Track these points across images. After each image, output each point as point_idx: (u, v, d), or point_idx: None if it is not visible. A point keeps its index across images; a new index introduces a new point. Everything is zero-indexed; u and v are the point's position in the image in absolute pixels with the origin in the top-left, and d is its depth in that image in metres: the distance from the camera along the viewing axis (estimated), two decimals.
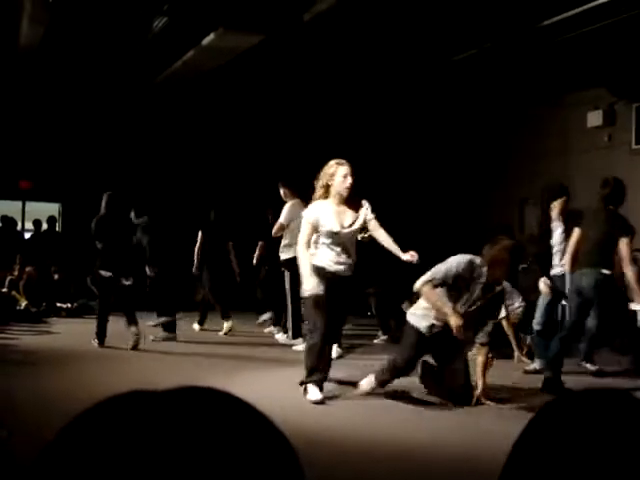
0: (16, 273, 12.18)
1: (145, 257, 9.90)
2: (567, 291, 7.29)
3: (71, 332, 10.19)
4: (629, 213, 7.24)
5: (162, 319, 9.79)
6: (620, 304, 7.12)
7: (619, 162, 11.04)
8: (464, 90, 13.03)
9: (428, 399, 6.10)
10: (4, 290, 11.87)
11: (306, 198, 8.80)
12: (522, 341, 8.54)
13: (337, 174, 6.14)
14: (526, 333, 8.43)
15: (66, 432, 0.58)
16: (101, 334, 8.75)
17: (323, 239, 6.11)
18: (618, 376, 7.50)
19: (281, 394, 6.05)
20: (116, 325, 9.14)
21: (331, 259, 6.09)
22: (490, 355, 6.20)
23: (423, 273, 6.00)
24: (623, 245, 6.72)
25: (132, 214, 10.03)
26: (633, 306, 7.77)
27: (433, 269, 5.97)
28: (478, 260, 5.95)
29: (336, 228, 6.07)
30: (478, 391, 6.04)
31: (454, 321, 5.77)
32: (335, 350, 7.38)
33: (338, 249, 6.11)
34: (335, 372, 6.48)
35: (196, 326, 10.78)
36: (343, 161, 6.20)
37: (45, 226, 14.36)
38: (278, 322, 10.34)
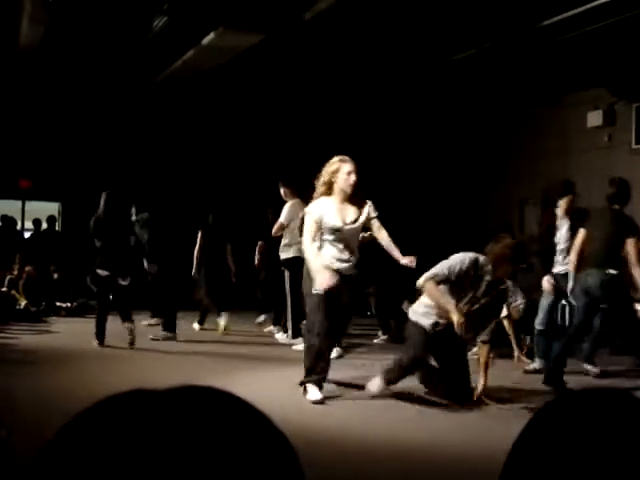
0: (16, 272, 12.18)
1: (144, 253, 9.90)
2: (568, 290, 7.27)
3: (71, 331, 10.19)
4: (630, 213, 7.24)
5: (154, 320, 9.78)
6: (626, 304, 7.10)
7: (619, 162, 11.04)
8: (464, 90, 13.03)
9: (428, 399, 6.09)
10: (4, 289, 11.87)
11: (306, 198, 8.82)
12: (522, 341, 8.54)
13: (341, 171, 6.10)
14: (527, 334, 8.43)
15: (66, 431, 0.58)
16: (100, 333, 8.75)
17: (326, 235, 6.08)
18: (618, 376, 7.49)
19: (281, 394, 6.05)
20: (115, 324, 9.14)
21: (334, 256, 6.07)
22: (491, 355, 6.20)
23: (423, 273, 6.00)
24: (630, 246, 6.72)
25: (133, 209, 10.05)
26: (639, 307, 7.74)
27: (437, 266, 5.96)
28: (482, 258, 5.95)
29: (339, 224, 6.04)
30: (479, 390, 6.03)
31: (456, 318, 5.75)
32: (335, 350, 7.37)
33: (341, 246, 6.08)
34: (335, 372, 6.48)
35: (196, 325, 10.78)
36: (347, 158, 6.16)
37: (45, 225, 14.37)
38: (278, 322, 10.35)
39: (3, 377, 6.59)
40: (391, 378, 6.04)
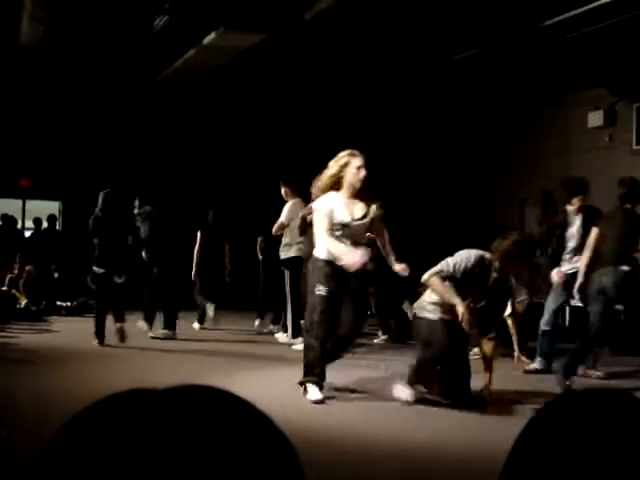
0: (16, 271, 12.18)
1: (143, 247, 9.89)
2: (575, 287, 7.25)
3: (71, 331, 10.19)
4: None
5: (146, 326, 9.75)
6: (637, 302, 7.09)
7: (619, 162, 11.04)
8: (464, 90, 13.03)
9: (428, 399, 6.08)
10: (4, 288, 11.88)
11: (307, 197, 8.83)
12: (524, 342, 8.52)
13: (351, 165, 5.94)
14: (531, 339, 8.34)
15: (66, 430, 0.58)
16: (100, 333, 8.76)
17: (333, 231, 5.93)
18: (618, 377, 7.49)
19: (281, 393, 6.04)
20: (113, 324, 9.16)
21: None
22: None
23: (423, 273, 5.99)
24: None
25: (136, 202, 10.05)
26: None
27: (442, 262, 5.94)
28: (487, 255, 5.93)
29: (347, 219, 5.91)
30: (485, 386, 6.02)
31: (461, 310, 5.69)
32: None
33: (348, 242, 5.93)
34: (335, 372, 6.47)
35: (196, 325, 10.79)
36: (356, 152, 6.01)
37: (45, 224, 14.37)
38: (277, 321, 10.37)
39: (3, 376, 6.59)
40: (417, 379, 5.90)
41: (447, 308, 5.89)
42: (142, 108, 14.31)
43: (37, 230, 14.37)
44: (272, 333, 10.24)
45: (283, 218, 9.18)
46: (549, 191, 12.52)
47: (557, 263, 7.63)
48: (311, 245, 8.33)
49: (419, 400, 6.04)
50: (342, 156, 6.01)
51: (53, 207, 14.97)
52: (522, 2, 9.44)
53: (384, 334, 9.92)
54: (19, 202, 14.96)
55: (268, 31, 10.32)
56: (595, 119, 11.84)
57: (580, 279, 7.13)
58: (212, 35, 10.61)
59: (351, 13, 9.89)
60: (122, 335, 8.72)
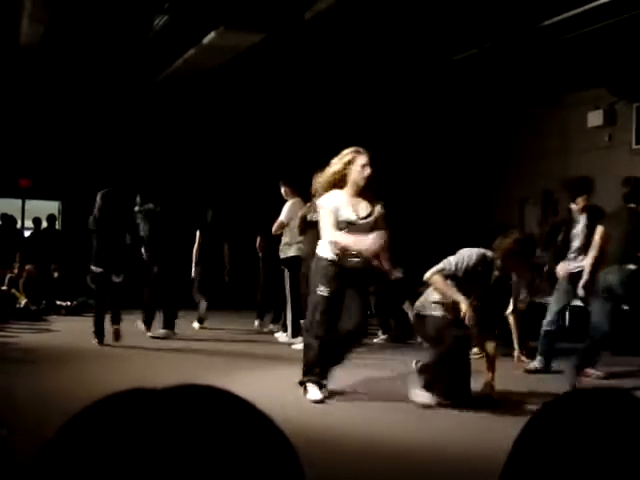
0: (16, 271, 12.18)
1: (143, 244, 9.89)
2: (580, 284, 7.24)
3: (71, 330, 10.19)
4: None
5: (144, 327, 9.77)
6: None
7: (619, 162, 11.04)
8: (464, 90, 13.02)
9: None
10: (4, 288, 11.88)
11: (307, 197, 8.83)
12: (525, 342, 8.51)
13: (355, 163, 5.85)
14: (531, 339, 8.33)
15: (66, 430, 0.58)
16: (99, 332, 8.78)
17: (338, 229, 5.85)
18: (619, 377, 7.48)
19: (281, 393, 6.04)
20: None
21: (344, 252, 5.84)
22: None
23: (424, 272, 5.99)
24: None
25: (138, 199, 10.05)
26: None
27: (444, 260, 5.91)
28: (489, 253, 5.92)
29: (353, 217, 5.84)
30: (484, 384, 6.01)
31: (465, 306, 5.66)
32: None
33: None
34: (335, 372, 6.47)
35: (196, 324, 10.79)
36: (361, 149, 5.92)
37: (45, 224, 14.37)
38: (277, 320, 10.39)
39: (3, 376, 6.58)
40: (432, 381, 5.83)
41: (449, 306, 5.85)
42: (142, 108, 14.31)
43: (37, 230, 14.37)
44: (272, 332, 10.24)
45: (283, 217, 9.18)
46: (549, 191, 12.54)
47: (560, 258, 7.61)
48: (311, 244, 8.36)
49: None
50: (346, 153, 5.92)
51: (53, 207, 14.97)
52: (522, 2, 9.44)
53: (384, 334, 9.92)
54: (19, 202, 14.95)
55: (268, 31, 10.32)
56: (595, 119, 11.84)
57: (585, 277, 7.13)
58: (212, 35, 10.60)
59: (351, 13, 9.88)
60: (117, 335, 8.80)
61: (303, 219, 8.56)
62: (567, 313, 9.24)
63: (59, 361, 7.74)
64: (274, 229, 9.28)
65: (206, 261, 10.73)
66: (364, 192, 5.89)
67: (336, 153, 6.10)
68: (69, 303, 12.30)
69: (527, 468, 0.69)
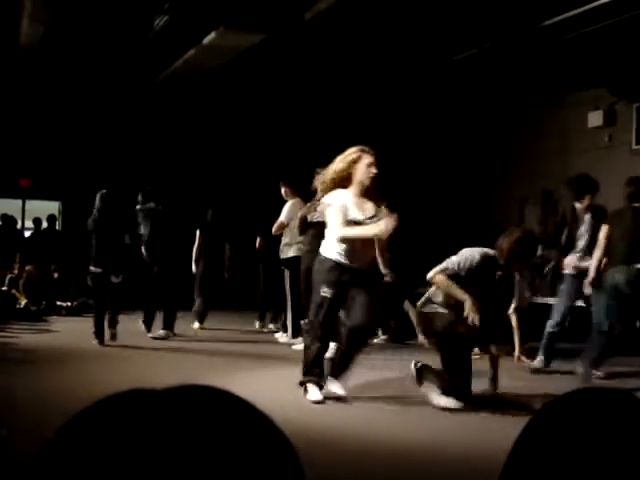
0: (16, 271, 12.18)
1: (142, 242, 9.89)
2: (587, 282, 7.24)
3: (71, 330, 10.19)
4: None
5: (144, 327, 9.77)
6: None
7: (619, 162, 11.04)
8: (464, 90, 13.03)
9: (428, 399, 6.08)
10: (4, 288, 11.87)
11: (307, 197, 8.82)
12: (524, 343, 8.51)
13: (361, 162, 5.75)
14: (533, 339, 8.31)
15: (66, 430, 0.58)
16: (99, 332, 8.79)
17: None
18: (619, 377, 7.48)
19: (281, 393, 6.04)
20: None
21: (350, 251, 5.76)
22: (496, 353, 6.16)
23: (424, 274, 5.97)
24: None
25: (139, 197, 10.05)
26: None
27: (446, 260, 5.88)
28: (492, 252, 5.90)
29: (360, 217, 5.75)
30: (490, 385, 6.00)
31: (469, 304, 5.62)
32: (334, 349, 7.34)
33: (358, 241, 5.78)
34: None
35: (196, 324, 10.79)
36: (366, 148, 5.82)
37: (45, 224, 14.37)
38: (276, 319, 10.42)
39: (3, 376, 6.58)
40: (450, 385, 5.77)
41: (452, 305, 5.84)
42: (142, 108, 14.31)
43: (37, 230, 14.37)
44: (272, 332, 10.24)
45: (283, 217, 9.18)
46: (549, 191, 12.55)
47: (563, 262, 7.60)
48: (311, 244, 8.36)
49: (419, 400, 6.03)
50: (352, 152, 5.81)
51: (53, 207, 14.97)
52: (522, 2, 9.44)
53: (384, 334, 9.92)
54: (19, 202, 14.96)
55: (268, 31, 10.32)
56: (595, 119, 11.84)
57: (592, 275, 7.13)
58: (212, 35, 10.61)
59: (351, 13, 9.89)
60: (113, 337, 8.88)
61: (303, 219, 8.56)
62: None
63: (59, 361, 7.74)
64: (274, 229, 9.28)
65: (206, 260, 10.75)
66: (368, 192, 5.81)
67: (336, 153, 6.03)
68: (69, 303, 12.30)
69: (527, 468, 0.69)
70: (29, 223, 14.72)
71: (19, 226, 14.67)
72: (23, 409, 5.35)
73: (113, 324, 8.92)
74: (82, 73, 13.31)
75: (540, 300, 9.32)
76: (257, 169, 14.51)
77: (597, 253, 7.13)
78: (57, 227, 14.65)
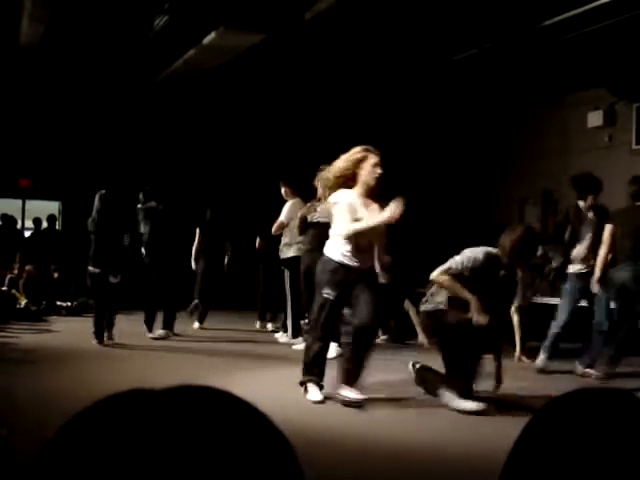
0: (16, 271, 12.17)
1: (142, 241, 9.90)
2: (593, 281, 7.24)
3: (71, 331, 10.19)
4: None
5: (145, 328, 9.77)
6: None
7: (619, 162, 11.04)
8: (464, 90, 13.03)
9: (428, 399, 6.08)
10: (4, 288, 11.87)
11: (307, 197, 8.82)
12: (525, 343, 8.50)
13: (367, 162, 5.67)
14: (533, 339, 8.30)
15: (66, 430, 0.58)
16: (99, 332, 8.79)
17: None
18: (619, 377, 7.47)
19: (281, 393, 6.04)
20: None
21: (354, 252, 5.70)
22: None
23: (424, 274, 5.97)
24: None
25: (141, 196, 10.06)
26: None
27: (449, 261, 5.85)
28: (494, 251, 5.88)
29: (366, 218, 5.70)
30: (494, 371, 6.01)
31: (475, 305, 5.60)
32: (335, 349, 7.36)
33: (364, 240, 5.73)
34: (335, 371, 6.46)
35: (196, 324, 10.79)
36: (371, 148, 5.74)
37: (45, 224, 14.37)
38: (275, 318, 10.44)
39: (3, 376, 6.59)
40: (466, 386, 5.74)
41: (455, 304, 5.78)
42: (142, 108, 14.31)
43: (37, 230, 14.37)
44: (272, 331, 10.23)
45: (283, 217, 9.19)
46: (549, 191, 12.55)
47: (568, 261, 7.58)
48: (310, 244, 8.36)
49: (419, 400, 6.04)
50: (357, 151, 5.74)
51: (53, 207, 14.97)
52: (522, 2, 9.44)
53: (384, 334, 9.91)
54: (19, 202, 14.96)
55: (268, 31, 10.32)
56: (595, 119, 11.84)
57: (598, 273, 7.14)
58: (212, 35, 10.61)
59: (351, 13, 9.89)
60: (109, 338, 8.91)
61: (303, 219, 8.56)
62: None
63: (59, 361, 7.74)
64: (274, 229, 9.29)
65: (206, 259, 10.78)
66: (372, 192, 5.74)
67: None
68: (69, 304, 12.29)
69: (527, 468, 0.69)
70: (29, 223, 14.72)
71: (19, 226, 14.67)
72: (23, 409, 5.35)
73: (110, 325, 8.92)
74: (82, 73, 13.32)
75: (540, 300, 9.32)
76: (257, 169, 14.52)
77: (602, 251, 7.15)
78: (57, 227, 14.65)
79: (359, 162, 5.70)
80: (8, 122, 13.99)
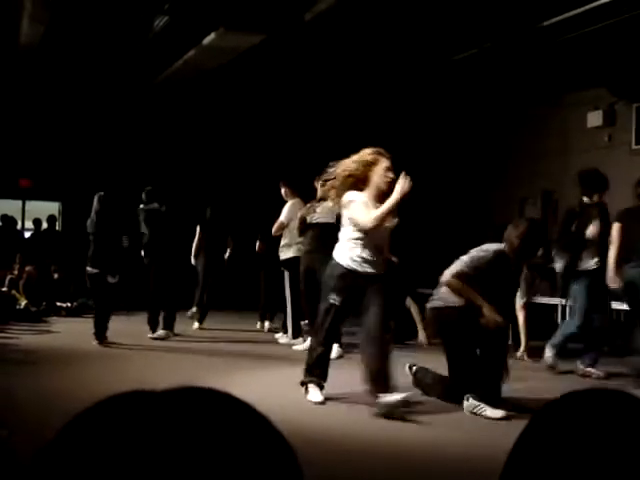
0: (16, 272, 12.17)
1: (142, 240, 9.91)
2: (608, 279, 7.24)
3: (71, 331, 10.19)
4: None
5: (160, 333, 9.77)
6: None
7: (619, 162, 11.03)
8: (464, 90, 13.03)
9: (428, 399, 6.08)
10: (4, 289, 11.87)
11: (307, 197, 8.83)
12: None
13: (379, 165, 5.59)
14: (538, 338, 8.28)
15: (66, 431, 0.58)
16: (99, 333, 8.79)
17: (358, 234, 5.60)
18: (619, 377, 7.48)
19: (281, 394, 6.04)
20: (115, 323, 9.17)
21: (363, 257, 5.63)
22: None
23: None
24: None
25: (143, 196, 10.07)
26: None
27: (457, 262, 5.79)
28: (502, 247, 5.83)
29: None
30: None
31: (488, 311, 5.53)
32: (335, 350, 7.36)
33: (372, 245, 5.64)
34: (335, 372, 6.46)
35: (196, 324, 10.79)
36: (383, 151, 5.66)
37: (45, 225, 14.37)
38: (273, 318, 10.46)
39: (4, 377, 6.59)
40: (485, 392, 5.65)
41: (463, 304, 5.72)
42: (142, 108, 14.31)
43: (37, 231, 14.36)
44: (273, 332, 10.23)
45: (283, 218, 9.18)
46: (549, 191, 12.55)
47: (576, 260, 7.55)
48: (310, 244, 8.37)
49: (419, 400, 6.04)
50: (369, 153, 5.64)
51: (53, 208, 14.96)
52: (522, 2, 9.44)
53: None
54: (19, 203, 14.95)
55: (268, 32, 10.32)
56: (594, 119, 11.84)
57: (610, 273, 7.15)
58: (212, 36, 10.61)
59: (351, 13, 9.89)
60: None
61: (303, 220, 8.56)
62: (568, 312, 9.22)
63: (59, 362, 7.73)
64: (274, 230, 9.28)
65: (206, 256, 10.79)
66: (384, 197, 5.60)
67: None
68: (69, 304, 12.29)
69: (527, 468, 0.69)
70: (29, 224, 14.71)
71: (19, 227, 14.67)
72: (24, 410, 5.35)
73: (104, 325, 8.91)
74: (82, 73, 13.31)
75: (540, 300, 9.32)
76: (257, 170, 14.51)
77: (612, 250, 7.16)
78: (57, 228, 14.64)
79: (370, 165, 5.61)
80: (8, 122, 13.99)
